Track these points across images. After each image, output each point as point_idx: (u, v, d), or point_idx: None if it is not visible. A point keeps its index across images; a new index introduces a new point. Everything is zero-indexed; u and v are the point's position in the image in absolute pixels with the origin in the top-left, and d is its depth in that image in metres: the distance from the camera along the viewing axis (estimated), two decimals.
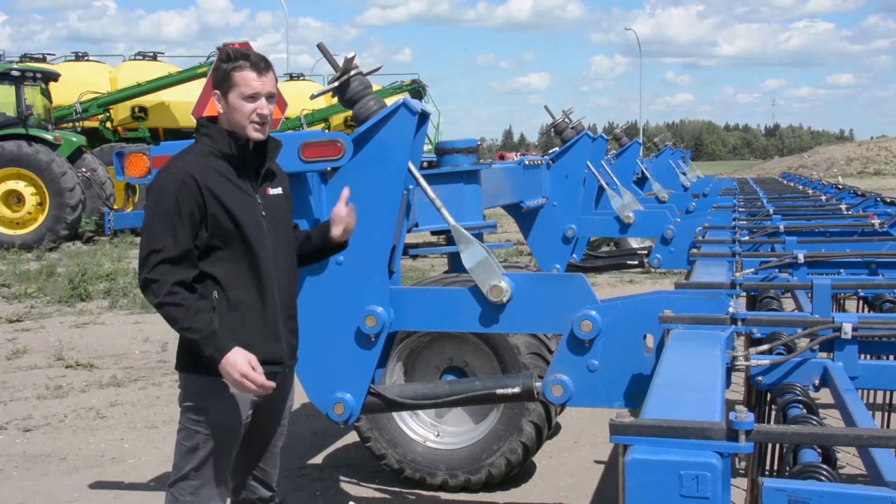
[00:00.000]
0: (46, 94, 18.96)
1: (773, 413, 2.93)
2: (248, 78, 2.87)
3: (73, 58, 24.74)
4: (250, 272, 2.89)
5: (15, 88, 17.75)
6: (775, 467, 2.80)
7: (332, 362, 3.73)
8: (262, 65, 2.89)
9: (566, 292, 3.52)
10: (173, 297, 2.75)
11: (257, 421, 3.06)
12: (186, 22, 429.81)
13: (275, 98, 2.96)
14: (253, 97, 2.87)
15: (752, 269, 4.37)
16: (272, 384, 2.82)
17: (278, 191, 3.06)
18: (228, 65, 2.89)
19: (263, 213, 2.94)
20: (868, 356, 3.22)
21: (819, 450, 2.26)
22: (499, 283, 3.56)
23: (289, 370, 3.11)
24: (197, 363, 2.87)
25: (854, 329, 2.95)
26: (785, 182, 17.90)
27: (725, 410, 2.05)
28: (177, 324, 2.77)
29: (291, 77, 28.15)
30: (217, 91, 2.92)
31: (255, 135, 2.91)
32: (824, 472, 2.09)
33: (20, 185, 17.42)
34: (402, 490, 4.70)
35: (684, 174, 14.96)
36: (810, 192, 11.58)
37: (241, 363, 2.74)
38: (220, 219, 2.83)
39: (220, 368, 2.75)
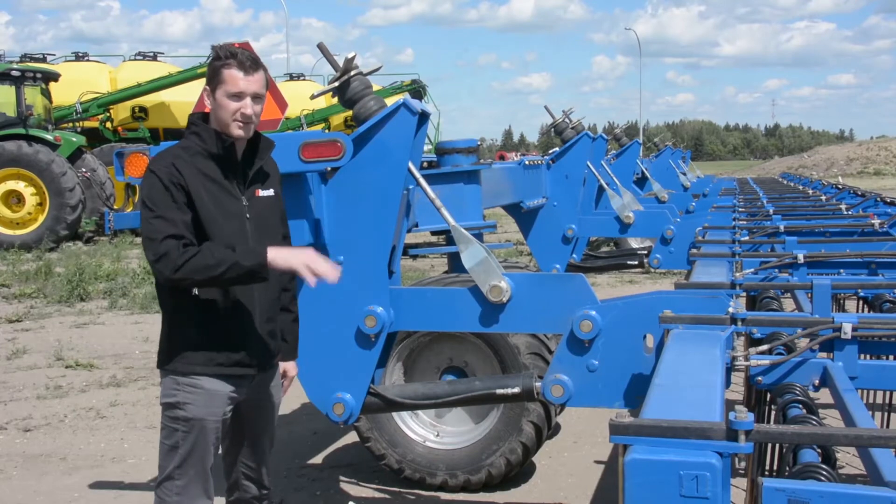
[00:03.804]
0: (46, 94, 18.96)
1: (773, 413, 2.93)
2: (235, 76, 2.87)
3: (73, 58, 24.74)
4: None
5: (15, 88, 17.76)
6: (775, 467, 2.80)
7: (332, 362, 3.73)
8: (248, 64, 2.88)
9: (566, 292, 3.51)
10: (185, 254, 2.71)
11: (244, 420, 3.08)
12: (189, 22, 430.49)
13: (262, 99, 2.94)
14: (238, 96, 2.87)
15: (752, 269, 4.37)
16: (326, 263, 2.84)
17: (269, 192, 3.04)
18: (218, 62, 2.89)
19: (248, 216, 2.94)
20: (868, 356, 3.22)
21: (819, 450, 2.26)
22: (499, 283, 3.56)
23: (270, 371, 3.12)
24: (171, 361, 2.92)
25: (854, 329, 2.95)
26: (785, 182, 17.90)
27: (725, 410, 2.05)
28: (207, 270, 2.71)
29: (291, 77, 28.15)
30: (207, 87, 2.93)
31: (238, 132, 2.89)
32: (824, 472, 2.09)
33: (20, 185, 17.43)
34: (402, 490, 4.69)
35: (684, 174, 14.97)
36: (810, 192, 11.58)
37: (284, 257, 2.78)
38: (199, 218, 2.83)
39: (278, 266, 2.79)
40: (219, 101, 2.89)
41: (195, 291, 2.86)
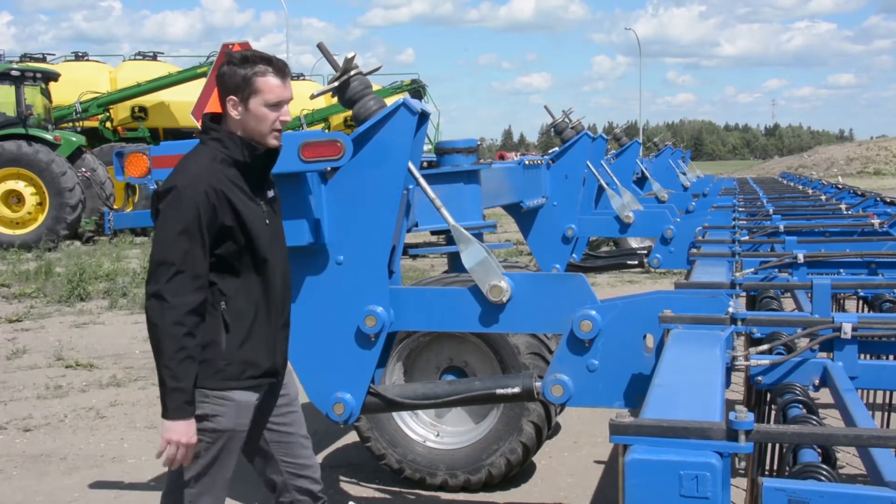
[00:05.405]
0: (46, 93, 18.96)
1: (773, 413, 2.93)
2: (272, 85, 2.76)
3: (73, 58, 24.75)
4: (257, 283, 2.85)
5: (15, 88, 17.77)
6: (775, 467, 2.80)
7: (332, 362, 3.72)
8: (286, 70, 2.80)
9: (566, 292, 3.51)
10: (177, 328, 2.62)
11: (275, 430, 3.06)
12: (191, 22, 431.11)
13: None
14: (277, 105, 2.78)
15: (752, 269, 4.36)
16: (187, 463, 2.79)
17: (272, 194, 3.01)
18: (248, 69, 2.75)
19: (267, 222, 2.89)
20: (868, 356, 3.22)
21: (819, 450, 2.26)
22: (499, 283, 3.55)
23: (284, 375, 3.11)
24: (200, 375, 2.79)
25: (854, 329, 2.95)
26: (785, 182, 17.90)
27: (725, 410, 2.05)
28: (160, 355, 2.66)
29: (291, 77, 28.13)
30: (233, 97, 2.78)
31: (275, 143, 2.83)
32: (824, 472, 2.09)
33: (20, 185, 17.44)
34: (402, 490, 4.70)
35: (684, 174, 14.96)
36: (810, 191, 11.58)
37: (185, 435, 2.70)
38: (235, 231, 2.76)
39: (164, 424, 2.71)
40: (254, 111, 2.77)
41: (223, 304, 2.78)
